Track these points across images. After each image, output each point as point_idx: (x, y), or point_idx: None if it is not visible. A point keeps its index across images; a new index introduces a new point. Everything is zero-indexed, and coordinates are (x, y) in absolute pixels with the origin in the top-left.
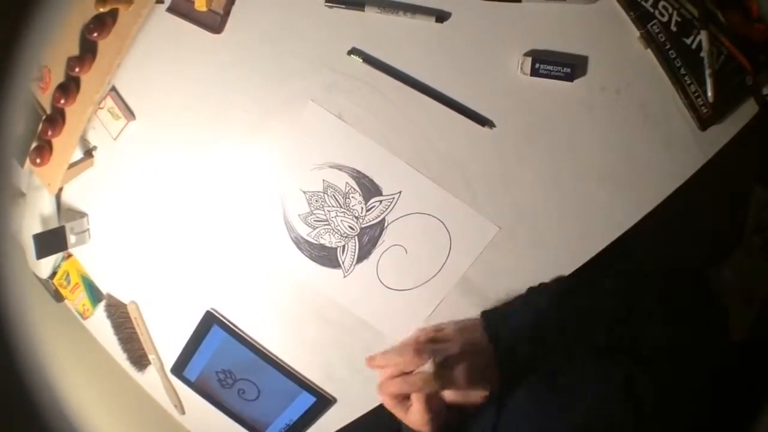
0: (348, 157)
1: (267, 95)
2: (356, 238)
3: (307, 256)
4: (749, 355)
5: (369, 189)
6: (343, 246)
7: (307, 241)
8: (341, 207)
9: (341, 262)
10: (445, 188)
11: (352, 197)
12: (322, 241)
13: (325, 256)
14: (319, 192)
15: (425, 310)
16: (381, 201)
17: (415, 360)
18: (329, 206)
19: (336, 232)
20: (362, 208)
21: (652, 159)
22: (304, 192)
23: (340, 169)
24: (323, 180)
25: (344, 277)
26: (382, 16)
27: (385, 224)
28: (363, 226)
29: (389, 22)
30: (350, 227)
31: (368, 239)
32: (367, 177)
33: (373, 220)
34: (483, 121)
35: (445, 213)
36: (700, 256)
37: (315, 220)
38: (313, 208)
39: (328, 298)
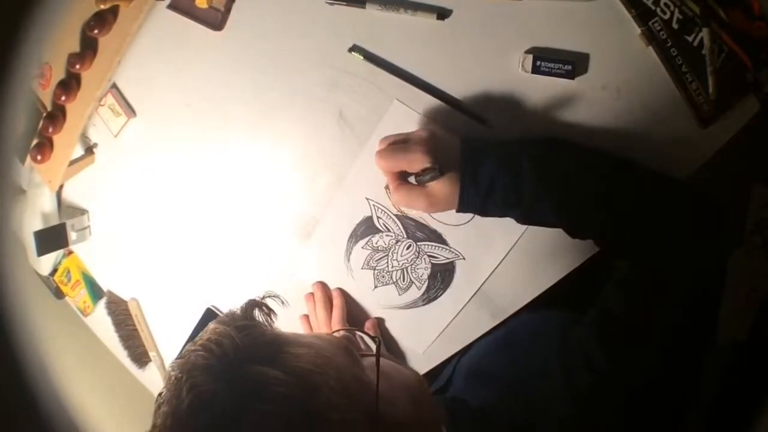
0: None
1: (268, 92)
2: (419, 247)
3: (438, 296)
4: (749, 355)
5: (366, 228)
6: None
7: (423, 296)
8: (384, 251)
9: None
10: None
11: (376, 241)
12: (422, 276)
13: (439, 285)
14: (366, 264)
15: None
16: (378, 217)
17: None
18: (382, 262)
19: (413, 264)
20: (387, 234)
21: (652, 157)
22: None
23: (353, 240)
24: (362, 255)
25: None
26: (383, 14)
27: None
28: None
29: (390, 19)
30: (407, 247)
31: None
32: (359, 225)
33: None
34: (482, 120)
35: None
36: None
37: (395, 279)
38: (378, 276)
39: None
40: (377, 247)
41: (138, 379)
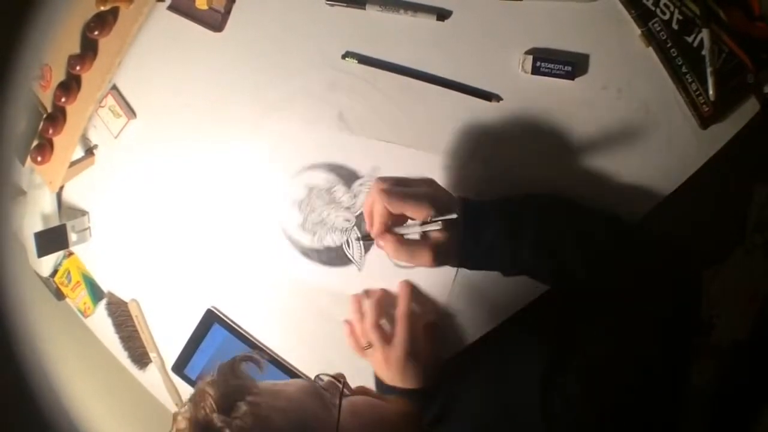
0: (316, 154)
1: (267, 92)
2: (356, 228)
3: (319, 263)
4: (749, 355)
5: (347, 176)
6: (347, 240)
7: (313, 249)
8: (329, 203)
9: (351, 257)
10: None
11: (335, 190)
12: (326, 244)
13: (335, 257)
14: (304, 197)
15: (448, 275)
16: (362, 183)
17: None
18: (319, 207)
19: (335, 230)
20: (349, 197)
21: (653, 157)
22: (293, 201)
23: (313, 169)
24: (305, 185)
25: (360, 270)
26: (383, 15)
27: None
28: (357, 213)
29: (390, 20)
30: (345, 219)
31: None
32: (340, 165)
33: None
34: (487, 96)
35: (428, 171)
36: (701, 254)
37: (312, 225)
38: (305, 214)
39: (332, 295)
40: (333, 191)
41: (138, 380)
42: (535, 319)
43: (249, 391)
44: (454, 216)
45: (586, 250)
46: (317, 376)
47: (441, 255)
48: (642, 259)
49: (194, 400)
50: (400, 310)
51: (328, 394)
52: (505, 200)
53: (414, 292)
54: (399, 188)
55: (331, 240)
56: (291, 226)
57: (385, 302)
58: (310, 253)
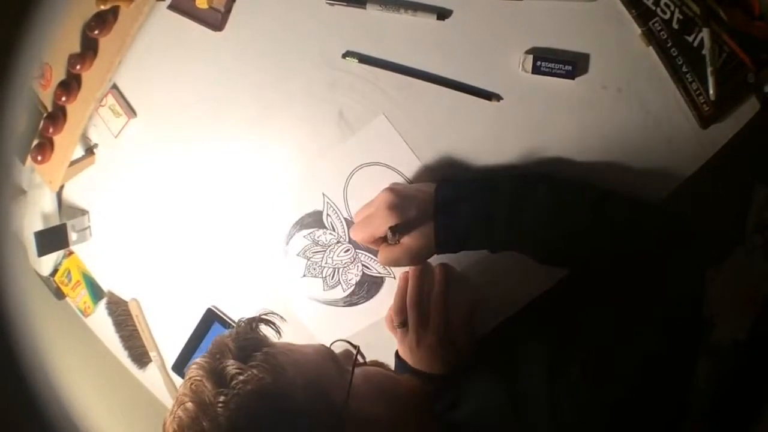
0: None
1: (267, 92)
2: (357, 249)
3: (362, 301)
4: (749, 355)
5: (314, 220)
6: (361, 264)
7: (349, 294)
8: (324, 251)
9: (378, 274)
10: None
11: (318, 238)
12: (353, 281)
13: (368, 286)
14: (306, 264)
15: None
16: (328, 214)
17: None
18: (323, 261)
19: (348, 265)
20: (330, 235)
21: (653, 157)
22: (302, 275)
23: (288, 239)
24: (297, 256)
25: (395, 278)
26: (384, 14)
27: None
28: (346, 239)
29: (390, 19)
30: (345, 251)
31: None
32: (301, 218)
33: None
34: (488, 96)
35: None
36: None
37: (331, 278)
38: (320, 276)
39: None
40: (318, 241)
41: (138, 379)
42: (545, 310)
43: (266, 343)
44: (396, 232)
45: (561, 224)
46: (333, 342)
47: (417, 253)
48: (620, 228)
49: (211, 351)
50: (435, 294)
51: (342, 360)
52: (475, 180)
53: (451, 275)
54: (361, 220)
55: (354, 275)
56: (319, 293)
57: (426, 282)
58: (351, 300)
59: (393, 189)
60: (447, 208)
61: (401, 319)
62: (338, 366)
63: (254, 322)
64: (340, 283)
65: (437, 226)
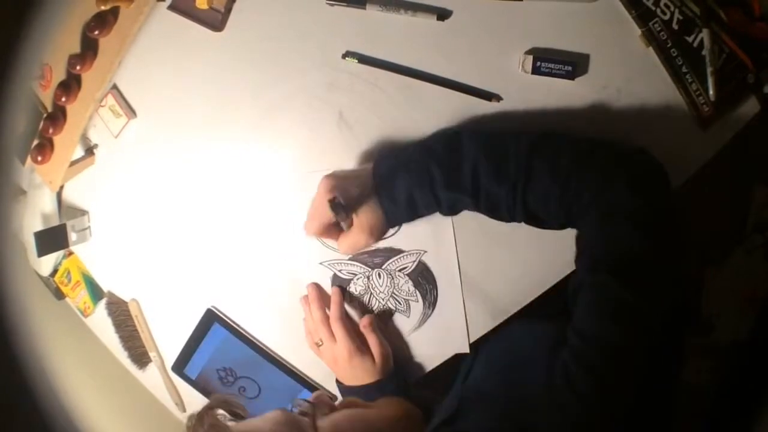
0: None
1: (268, 92)
2: (368, 268)
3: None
4: (749, 355)
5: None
6: (377, 274)
7: (424, 307)
8: (364, 293)
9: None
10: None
11: (351, 290)
12: (408, 290)
13: (430, 286)
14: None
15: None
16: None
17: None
18: (372, 300)
19: (392, 283)
20: (351, 276)
21: None
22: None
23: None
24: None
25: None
26: (384, 14)
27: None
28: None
29: (390, 20)
30: (377, 276)
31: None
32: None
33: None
34: (488, 96)
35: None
36: (701, 254)
37: (383, 300)
38: (372, 301)
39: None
40: (359, 293)
41: (138, 379)
42: (545, 307)
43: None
44: (340, 207)
45: (503, 173)
46: (294, 401)
47: (373, 230)
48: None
49: None
50: (332, 314)
51: (306, 420)
52: (409, 146)
53: (343, 293)
54: (308, 217)
55: (404, 282)
56: (409, 328)
57: (324, 301)
58: (428, 299)
59: (331, 174)
60: (387, 179)
61: (315, 339)
62: (301, 430)
63: (207, 412)
64: (408, 299)
65: (380, 197)
